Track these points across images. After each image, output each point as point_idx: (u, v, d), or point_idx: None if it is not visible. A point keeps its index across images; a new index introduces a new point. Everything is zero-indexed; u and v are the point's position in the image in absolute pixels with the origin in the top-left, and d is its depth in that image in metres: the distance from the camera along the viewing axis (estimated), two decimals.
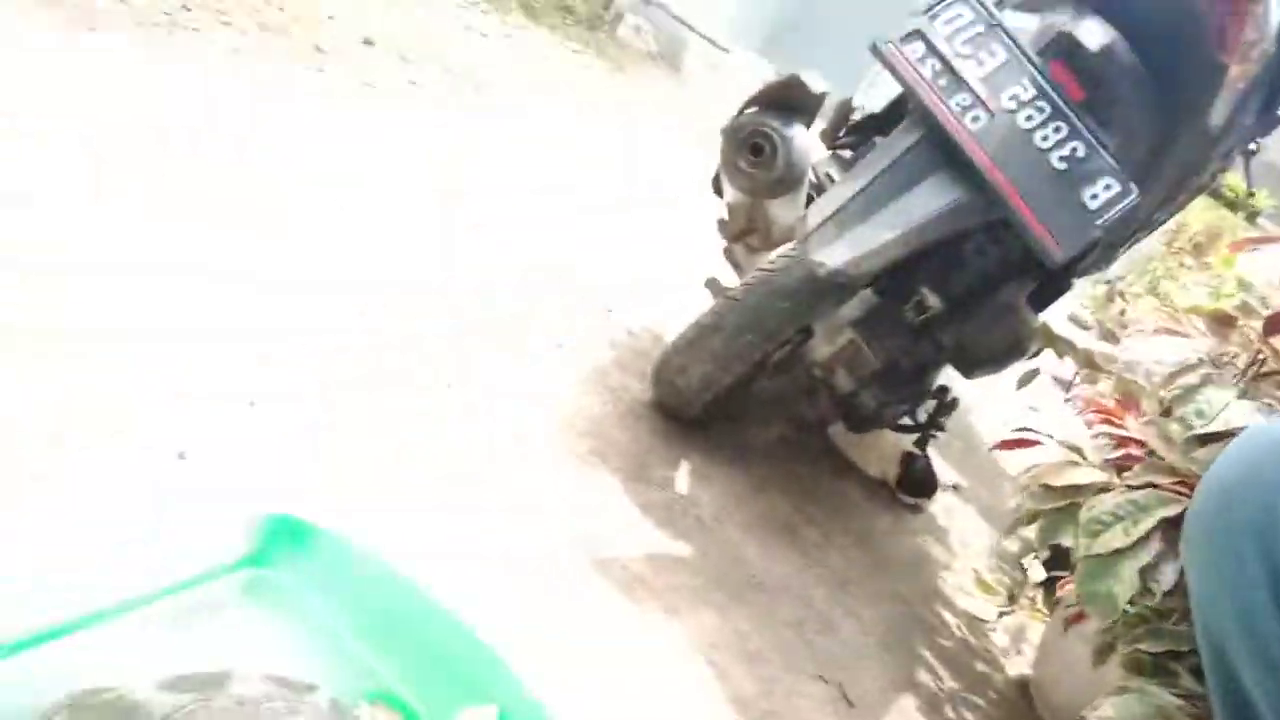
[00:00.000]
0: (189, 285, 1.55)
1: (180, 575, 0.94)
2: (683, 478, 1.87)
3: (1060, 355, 1.86)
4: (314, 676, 0.85)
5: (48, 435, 1.13)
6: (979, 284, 1.86)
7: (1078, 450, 1.27)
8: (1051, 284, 1.95)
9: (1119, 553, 1.08)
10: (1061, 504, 1.20)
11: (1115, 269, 2.71)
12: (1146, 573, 1.07)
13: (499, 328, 1.97)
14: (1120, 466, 1.23)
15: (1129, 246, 2.05)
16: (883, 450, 2.40)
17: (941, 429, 2.24)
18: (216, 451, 1.25)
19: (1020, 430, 1.33)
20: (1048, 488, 1.22)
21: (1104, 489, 1.17)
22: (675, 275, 2.79)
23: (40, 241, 1.45)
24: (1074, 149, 1.49)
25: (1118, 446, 1.25)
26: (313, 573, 0.97)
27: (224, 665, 0.82)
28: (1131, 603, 1.08)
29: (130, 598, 0.90)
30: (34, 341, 1.25)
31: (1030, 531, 2.39)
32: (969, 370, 1.98)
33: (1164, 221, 1.98)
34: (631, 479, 1.76)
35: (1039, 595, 1.93)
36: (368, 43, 3.11)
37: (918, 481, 2.34)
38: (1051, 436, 1.29)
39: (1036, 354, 2.08)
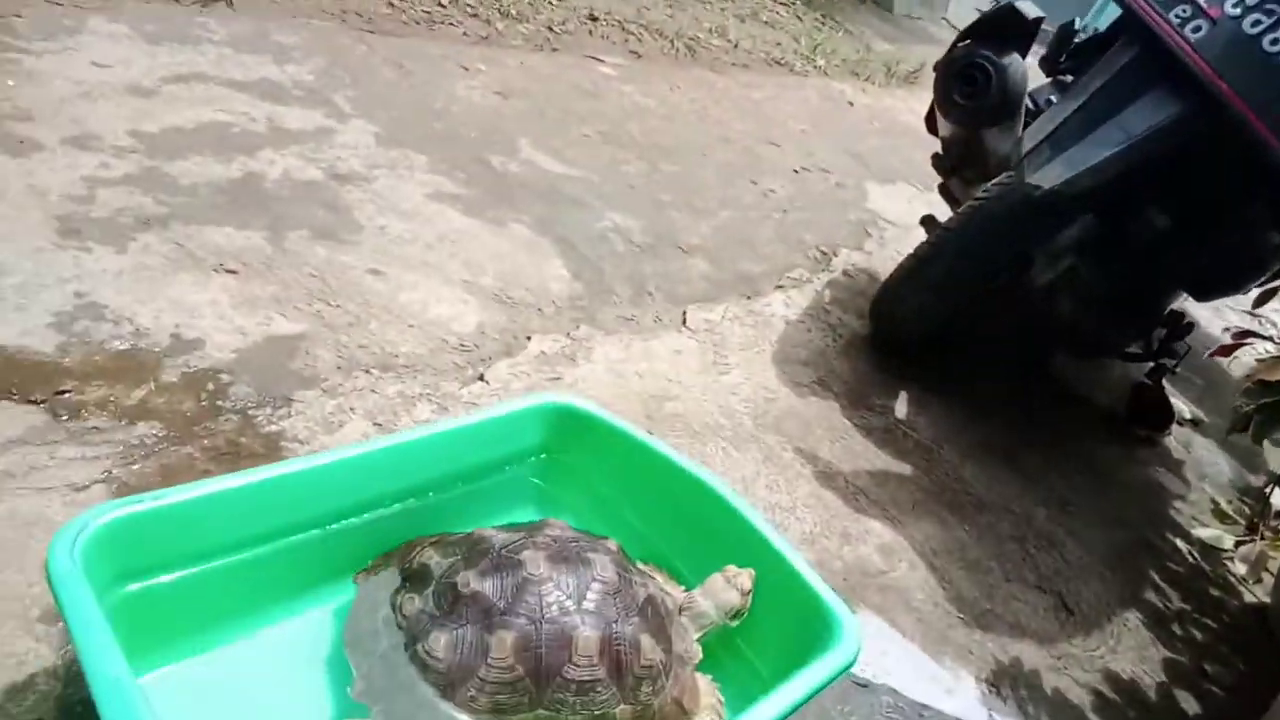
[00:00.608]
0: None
1: (493, 457, 1.19)
2: (902, 405, 1.98)
3: None
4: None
5: (372, 358, 1.45)
6: (1213, 201, 1.81)
7: None
8: None
9: None
10: (1277, 399, 1.20)
11: None
12: None
13: (726, 270, 2.16)
14: None
15: None
16: (1110, 381, 2.37)
17: (1174, 355, 2.18)
18: (506, 373, 1.53)
19: (1238, 335, 1.33)
20: (1264, 384, 1.22)
21: None
22: (892, 217, 2.86)
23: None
24: None
25: None
26: (596, 455, 1.20)
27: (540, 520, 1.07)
28: None
29: (457, 472, 1.17)
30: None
31: (1273, 461, 2.31)
32: (1202, 292, 1.93)
33: None
34: (852, 405, 1.89)
35: None
36: (592, 18, 3.37)
37: (1150, 413, 2.29)
38: (1271, 338, 1.28)
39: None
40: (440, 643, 0.89)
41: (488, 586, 0.92)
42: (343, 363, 1.40)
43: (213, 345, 1.35)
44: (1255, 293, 1.90)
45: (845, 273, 2.41)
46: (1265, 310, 1.37)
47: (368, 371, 1.40)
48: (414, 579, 0.96)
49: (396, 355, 1.46)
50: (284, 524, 1.01)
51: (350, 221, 1.74)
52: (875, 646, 1.32)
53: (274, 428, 1.25)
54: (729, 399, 1.74)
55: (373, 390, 1.37)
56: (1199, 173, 1.74)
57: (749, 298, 2.11)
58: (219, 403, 1.26)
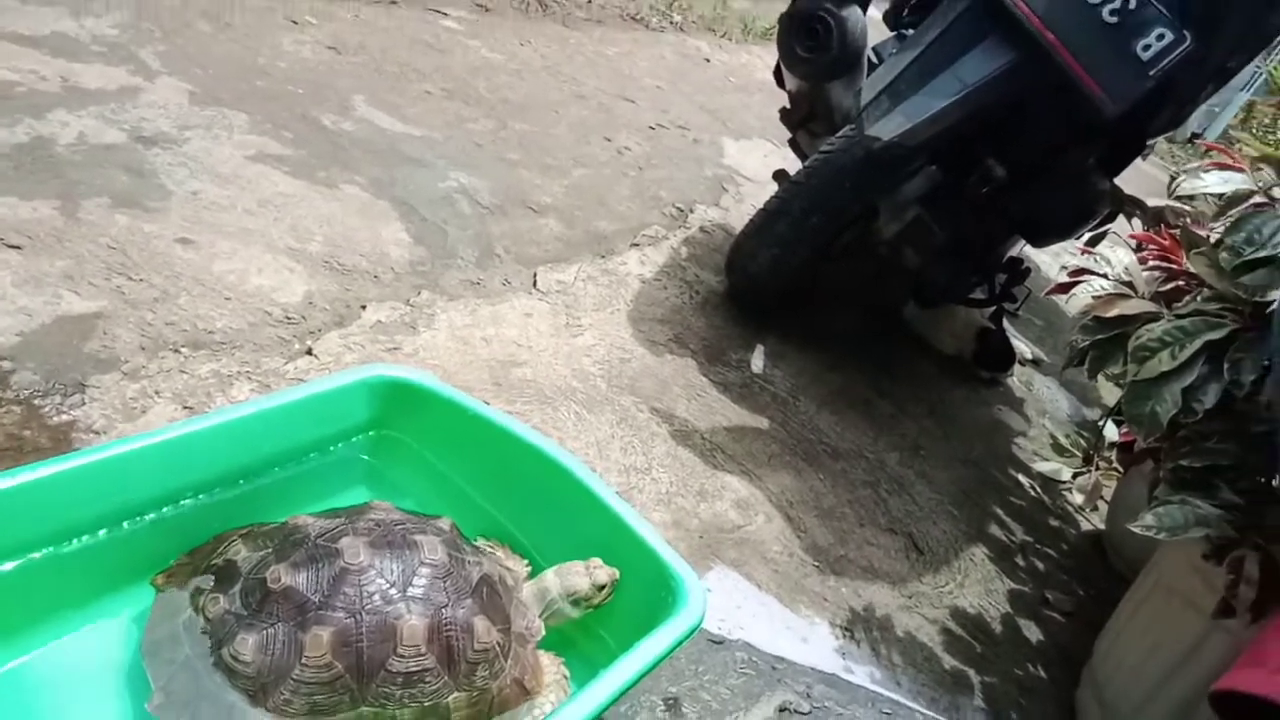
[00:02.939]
0: None
1: (316, 435, 1.11)
2: (758, 359, 1.98)
3: (1129, 216, 1.87)
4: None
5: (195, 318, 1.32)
6: (1046, 151, 1.87)
7: (1129, 285, 1.31)
8: (1123, 147, 1.94)
9: (1164, 376, 1.14)
10: (1112, 334, 1.24)
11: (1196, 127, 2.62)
12: (1190, 393, 1.13)
13: (579, 229, 2.10)
14: (1170, 298, 1.26)
15: (1203, 100, 2.00)
16: (956, 326, 2.45)
17: (1013, 300, 2.27)
18: (337, 349, 1.43)
19: (1075, 273, 1.37)
20: (1099, 320, 1.26)
21: (1153, 319, 1.21)
22: (749, 173, 2.86)
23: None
24: (1125, 1, 1.49)
25: (1168, 280, 1.28)
26: (430, 429, 1.13)
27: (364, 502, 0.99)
28: (1176, 425, 1.15)
29: (274, 455, 1.07)
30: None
31: (1107, 396, 2.44)
32: (1037, 237, 2.00)
33: (1237, 70, 1.92)
34: (709, 361, 1.88)
35: (1114, 454, 1.98)
36: None
37: (993, 355, 2.39)
38: (1105, 275, 1.32)
39: (1110, 219, 2.09)
40: (248, 644, 0.81)
41: (301, 580, 0.84)
42: (147, 342, 1.27)
43: None
44: (1088, 235, 1.99)
45: (702, 229, 2.39)
46: (1100, 249, 1.41)
47: (176, 350, 1.28)
48: (219, 577, 0.87)
49: (211, 331, 1.33)
50: (70, 523, 0.90)
51: (157, 187, 1.58)
52: (730, 601, 1.31)
53: (64, 417, 1.12)
54: (582, 361, 1.69)
55: (182, 370, 1.25)
56: (1031, 122, 1.79)
57: (603, 257, 2.06)
58: None
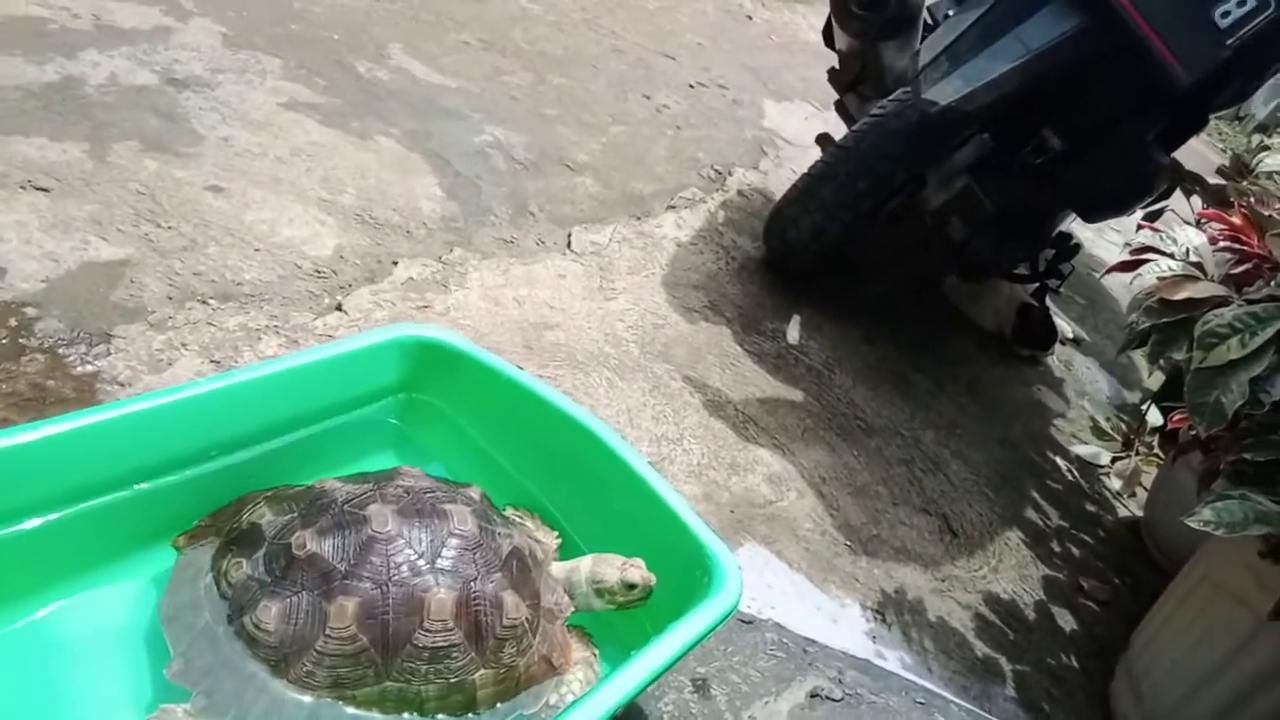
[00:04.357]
0: None
1: (344, 396, 1.08)
2: (794, 330, 1.93)
3: (1189, 194, 1.79)
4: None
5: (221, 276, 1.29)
6: (1105, 122, 1.78)
7: (1198, 266, 1.24)
8: (1184, 120, 1.85)
9: (1232, 364, 1.08)
10: (1177, 318, 1.18)
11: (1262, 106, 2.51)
12: (1258, 384, 1.07)
13: (615, 189, 2.04)
14: (1242, 281, 1.20)
15: (1271, 75, 1.90)
16: (998, 302, 2.38)
17: (1060, 276, 2.19)
18: (367, 304, 1.40)
19: (1138, 251, 1.30)
20: (1165, 302, 1.19)
21: (1222, 303, 1.15)
22: (789, 135, 2.78)
23: None
24: None
25: (1240, 262, 1.21)
26: (462, 393, 1.10)
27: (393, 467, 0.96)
28: (1239, 417, 1.09)
29: (301, 414, 1.04)
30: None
31: (1149, 379, 2.37)
32: (1089, 212, 1.92)
33: None
34: (744, 329, 1.83)
35: (1155, 440, 1.92)
36: None
37: (1035, 333, 2.31)
38: (1172, 256, 1.25)
39: (1167, 195, 2.00)
40: (271, 613, 0.79)
41: (327, 547, 0.82)
42: (174, 292, 1.24)
43: (17, 274, 1.17)
44: (1143, 213, 1.91)
45: (740, 193, 2.33)
46: (1167, 228, 1.33)
47: (204, 302, 1.25)
48: (243, 541, 0.85)
49: (239, 283, 1.30)
50: (91, 481, 0.88)
51: (188, 132, 1.55)
52: (761, 580, 1.28)
53: (89, 368, 1.10)
54: (615, 326, 1.65)
55: (209, 323, 1.22)
56: (1094, 90, 1.70)
57: (639, 218, 2.01)
58: (22, 340, 1.09)
